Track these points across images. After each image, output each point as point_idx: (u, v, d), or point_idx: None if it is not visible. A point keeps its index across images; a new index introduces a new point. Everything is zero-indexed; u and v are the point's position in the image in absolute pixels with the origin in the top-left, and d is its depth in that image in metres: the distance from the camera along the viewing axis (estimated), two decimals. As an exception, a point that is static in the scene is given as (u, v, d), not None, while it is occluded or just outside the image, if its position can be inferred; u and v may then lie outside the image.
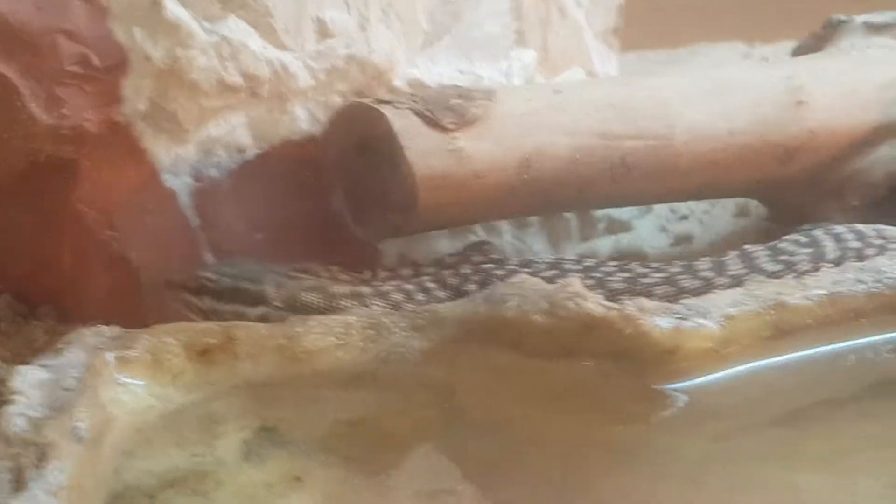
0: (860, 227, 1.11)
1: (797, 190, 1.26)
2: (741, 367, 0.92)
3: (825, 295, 0.93)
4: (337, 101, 1.16)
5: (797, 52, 1.38)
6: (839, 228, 1.11)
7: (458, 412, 0.91)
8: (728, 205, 1.44)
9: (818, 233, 1.11)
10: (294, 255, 1.18)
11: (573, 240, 1.37)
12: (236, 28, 1.10)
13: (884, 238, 1.08)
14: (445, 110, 1.09)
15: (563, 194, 1.15)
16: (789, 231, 1.14)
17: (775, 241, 1.11)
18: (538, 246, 1.34)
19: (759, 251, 1.09)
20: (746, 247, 1.10)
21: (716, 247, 1.38)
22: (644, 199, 1.26)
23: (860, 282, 0.94)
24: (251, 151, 1.15)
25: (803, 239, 1.10)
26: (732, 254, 1.09)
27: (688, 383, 0.91)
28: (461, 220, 1.16)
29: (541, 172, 1.12)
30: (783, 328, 0.92)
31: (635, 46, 1.86)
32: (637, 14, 1.60)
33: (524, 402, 0.91)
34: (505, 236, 1.31)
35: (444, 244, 1.27)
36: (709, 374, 0.91)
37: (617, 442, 0.88)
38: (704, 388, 0.91)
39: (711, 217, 1.43)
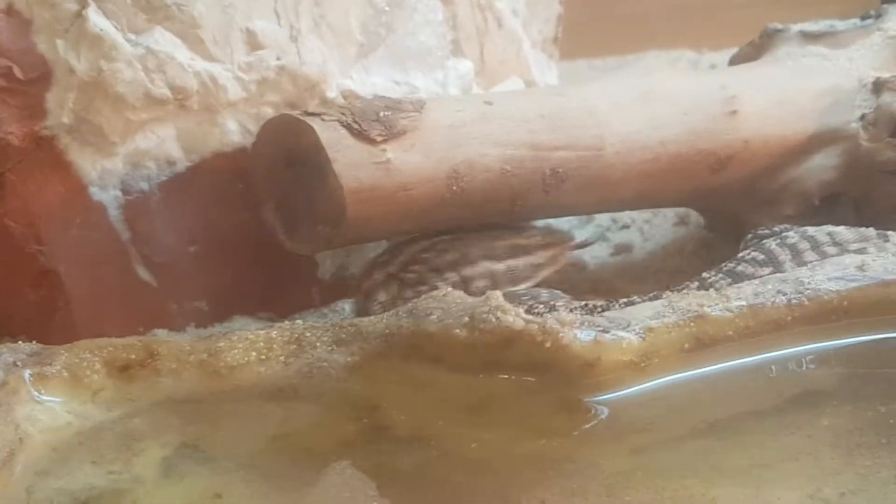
0: (812, 231, 1.09)
1: (731, 199, 1.26)
2: (662, 379, 0.91)
3: (746, 306, 0.93)
4: (268, 112, 1.16)
5: (734, 61, 1.37)
6: (792, 237, 1.09)
7: (379, 427, 0.91)
8: (669, 214, 1.44)
9: (774, 247, 1.08)
10: (227, 267, 1.18)
11: (512, 249, 1.36)
12: (163, 40, 1.09)
13: (837, 244, 1.07)
14: (374, 122, 1.08)
15: (494, 206, 1.14)
16: (730, 240, 1.13)
17: (733, 264, 1.08)
18: (477, 256, 1.33)
19: (719, 279, 1.06)
20: (704, 274, 1.08)
21: (656, 256, 1.38)
22: (577, 210, 1.26)
23: (781, 293, 0.93)
24: (182, 164, 1.14)
25: (760, 256, 1.08)
26: (692, 286, 1.06)
27: (609, 396, 0.90)
28: (391, 233, 1.15)
29: (471, 184, 1.11)
30: (704, 340, 0.92)
31: (584, 54, 1.87)
32: (586, 22, 1.60)
33: (446, 416, 0.90)
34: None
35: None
36: (630, 386, 0.91)
37: (538, 456, 0.87)
38: (625, 400, 0.90)
39: (652, 226, 1.43)
